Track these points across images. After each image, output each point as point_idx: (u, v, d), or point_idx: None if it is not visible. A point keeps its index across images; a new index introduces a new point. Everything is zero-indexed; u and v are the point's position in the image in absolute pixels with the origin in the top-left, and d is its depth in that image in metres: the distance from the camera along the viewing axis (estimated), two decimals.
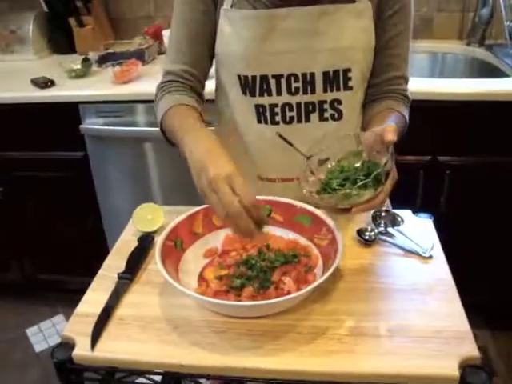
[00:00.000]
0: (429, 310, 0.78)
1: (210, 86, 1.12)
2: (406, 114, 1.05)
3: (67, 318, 2.27)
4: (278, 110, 1.01)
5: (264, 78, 0.98)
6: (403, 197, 1.19)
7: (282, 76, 0.98)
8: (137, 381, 0.80)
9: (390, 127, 0.80)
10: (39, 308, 2.32)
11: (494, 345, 1.76)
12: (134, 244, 0.96)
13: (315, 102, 1.00)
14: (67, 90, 1.82)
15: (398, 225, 0.97)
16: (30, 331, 2.22)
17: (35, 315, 2.29)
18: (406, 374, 0.68)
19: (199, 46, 1.02)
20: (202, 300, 0.76)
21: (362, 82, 1.03)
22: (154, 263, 0.91)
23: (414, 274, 0.87)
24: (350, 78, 0.99)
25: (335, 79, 0.98)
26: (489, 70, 1.99)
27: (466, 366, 0.68)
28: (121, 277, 0.87)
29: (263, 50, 0.97)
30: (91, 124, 1.81)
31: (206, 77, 1.08)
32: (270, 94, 1.00)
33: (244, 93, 1.01)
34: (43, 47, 2.30)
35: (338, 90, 0.99)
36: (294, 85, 0.98)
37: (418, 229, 0.98)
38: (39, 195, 2.01)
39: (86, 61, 1.95)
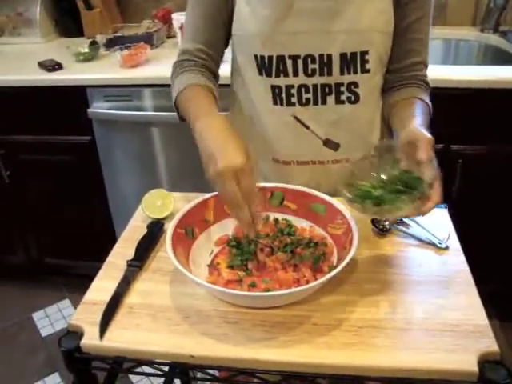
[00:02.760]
0: (446, 302, 0.76)
1: (224, 70, 1.10)
2: (428, 100, 1.03)
3: (73, 303, 2.27)
4: (294, 91, 0.99)
5: (280, 59, 0.97)
6: None
7: (298, 57, 0.96)
8: (144, 370, 0.78)
9: (424, 142, 0.77)
10: (45, 292, 2.32)
11: (503, 336, 1.74)
12: (143, 231, 0.94)
13: (332, 84, 0.98)
14: (75, 74, 1.79)
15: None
16: (36, 316, 2.22)
17: (41, 300, 2.29)
18: (423, 368, 0.66)
19: (215, 26, 1.01)
20: (214, 290, 0.74)
21: (379, 66, 1.01)
22: (164, 251, 0.89)
23: (430, 265, 0.85)
24: (367, 61, 0.97)
25: (352, 61, 0.96)
26: (503, 57, 1.94)
27: (485, 362, 0.66)
28: (130, 264, 0.85)
29: (280, 30, 0.95)
30: (98, 108, 1.79)
31: (221, 57, 1.07)
32: (286, 75, 0.98)
33: (260, 73, 1.00)
34: (50, 30, 2.27)
35: (356, 72, 0.97)
36: (310, 66, 0.97)
37: (432, 218, 0.94)
38: (46, 179, 1.99)
39: (93, 44, 1.93)
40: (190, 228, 0.86)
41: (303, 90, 0.99)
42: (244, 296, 0.73)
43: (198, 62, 1.01)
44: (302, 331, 0.71)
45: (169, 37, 2.13)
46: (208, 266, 0.84)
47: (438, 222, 0.95)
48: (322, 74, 0.97)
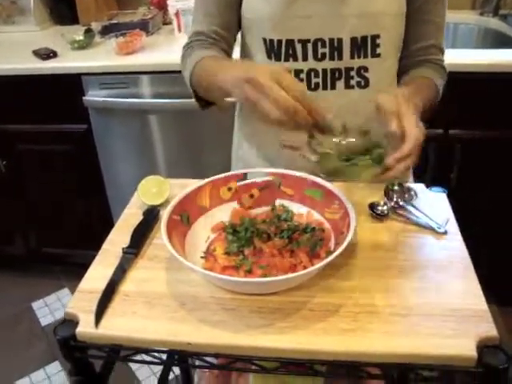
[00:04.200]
0: (445, 287, 0.75)
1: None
2: (438, 81, 1.01)
3: (72, 292, 2.25)
4: (303, 75, 0.97)
5: (290, 43, 0.95)
6: (414, 170, 1.16)
7: (308, 41, 0.95)
8: (140, 358, 0.77)
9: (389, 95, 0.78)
10: (44, 282, 2.33)
11: (502, 321, 1.74)
12: (139, 218, 0.93)
13: (342, 68, 0.97)
14: (70, 62, 1.78)
15: (411, 199, 0.94)
16: (36, 305, 2.23)
17: (40, 289, 2.29)
18: (421, 353, 0.65)
19: (227, 9, 1.00)
20: (211, 276, 0.73)
21: (392, 50, 0.99)
22: (160, 238, 0.88)
23: (428, 250, 0.84)
24: (378, 45, 0.95)
25: (363, 46, 0.95)
26: (503, 41, 1.92)
27: (484, 347, 0.66)
28: (125, 251, 0.84)
29: (290, 13, 0.93)
30: (94, 96, 1.78)
31: (235, 41, 1.06)
32: (295, 59, 0.97)
33: (269, 57, 0.98)
34: (45, 18, 2.25)
35: (366, 57, 0.96)
36: (320, 50, 0.95)
37: (431, 203, 0.95)
38: (42, 168, 1.99)
39: (88, 32, 1.91)
40: (186, 214, 0.85)
41: (312, 74, 0.97)
42: (241, 282, 0.72)
43: (212, 42, 1.00)
44: (299, 317, 0.71)
45: (164, 23, 2.11)
46: (204, 252, 0.83)
47: (437, 207, 0.94)
48: (332, 59, 0.95)
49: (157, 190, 0.98)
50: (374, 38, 0.94)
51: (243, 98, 0.74)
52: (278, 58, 0.97)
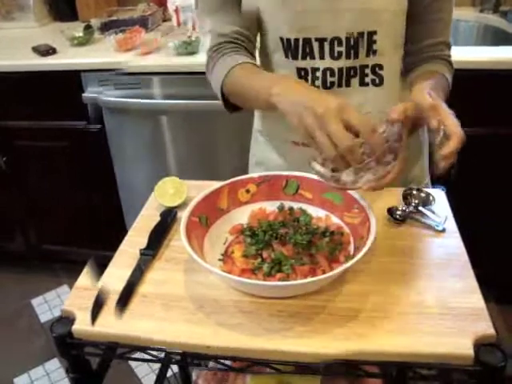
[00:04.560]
0: (442, 285, 0.75)
1: None
2: (448, 75, 1.00)
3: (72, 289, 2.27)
4: (319, 74, 0.97)
5: (307, 42, 0.95)
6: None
7: (325, 39, 0.94)
8: (136, 356, 0.77)
9: (398, 106, 0.76)
10: (44, 279, 2.33)
11: (501, 319, 1.74)
12: (156, 219, 0.92)
13: (357, 66, 0.96)
14: (69, 58, 1.78)
15: (430, 204, 0.93)
16: (35, 301, 2.23)
17: (40, 286, 2.30)
18: (418, 352, 0.65)
19: (248, 7, 0.98)
20: (230, 279, 0.72)
21: (395, 46, 0.98)
22: (177, 239, 0.87)
23: (427, 248, 0.83)
24: (374, 41, 0.94)
25: (360, 43, 0.94)
26: (503, 38, 1.92)
27: (481, 345, 0.65)
28: (143, 253, 0.83)
29: (307, 12, 0.92)
30: (93, 93, 1.77)
31: (256, 39, 1.04)
32: (312, 58, 0.96)
33: (286, 56, 0.98)
34: (45, 14, 2.24)
35: (368, 55, 0.95)
36: (337, 49, 0.94)
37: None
38: (41, 165, 1.99)
39: (88, 28, 1.90)
40: (204, 216, 0.84)
41: (328, 73, 0.96)
42: (260, 285, 0.71)
43: (237, 44, 0.99)
44: (318, 321, 0.70)
45: (164, 20, 2.10)
46: (222, 255, 0.82)
47: (436, 205, 0.93)
48: (348, 57, 0.95)
49: (174, 191, 0.96)
50: (371, 34, 0.93)
51: (301, 126, 0.73)
52: (294, 57, 0.97)
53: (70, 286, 2.29)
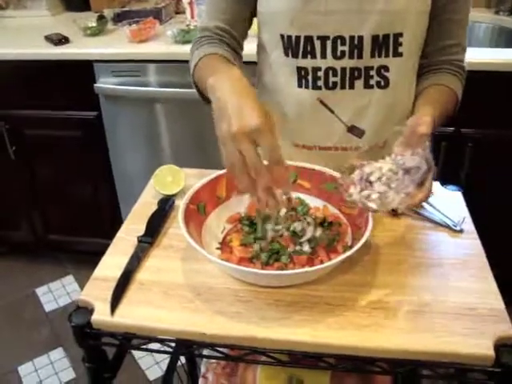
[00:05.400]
0: (461, 286, 0.75)
1: (251, 47, 1.07)
2: (459, 89, 0.99)
3: (77, 279, 2.28)
4: (320, 74, 0.94)
5: (308, 39, 0.92)
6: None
7: (327, 38, 0.91)
8: (150, 346, 0.77)
9: (424, 118, 0.76)
10: (49, 268, 2.33)
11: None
12: (154, 207, 0.93)
13: (361, 67, 0.93)
14: (82, 48, 1.77)
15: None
16: (40, 291, 2.23)
17: (45, 275, 2.30)
18: (438, 351, 0.65)
19: (238, 3, 0.97)
20: (229, 267, 0.73)
21: (414, 49, 0.96)
22: (175, 227, 0.89)
23: (444, 248, 0.84)
24: (400, 44, 0.91)
25: (384, 44, 0.91)
26: None
27: (501, 346, 0.66)
28: (141, 240, 0.84)
29: (310, 9, 0.90)
30: (106, 83, 1.76)
31: (244, 37, 1.03)
32: (313, 57, 0.93)
33: (286, 54, 0.95)
34: (57, 3, 2.23)
35: (387, 56, 0.92)
36: (340, 48, 0.92)
37: (447, 201, 0.94)
38: (51, 155, 1.98)
39: (101, 18, 1.90)
40: (202, 204, 0.85)
41: (331, 73, 0.94)
42: (258, 274, 0.72)
43: (218, 38, 0.98)
44: (315, 311, 0.71)
45: (177, 12, 2.09)
46: (220, 243, 0.83)
47: (452, 205, 0.93)
48: (351, 57, 0.92)
49: (172, 179, 0.98)
50: (397, 36, 0.91)
51: (216, 128, 0.69)
52: (295, 55, 0.95)
53: (75, 276, 2.30)
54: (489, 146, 1.67)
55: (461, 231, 0.87)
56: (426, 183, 0.75)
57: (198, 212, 0.83)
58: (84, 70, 1.75)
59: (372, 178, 0.76)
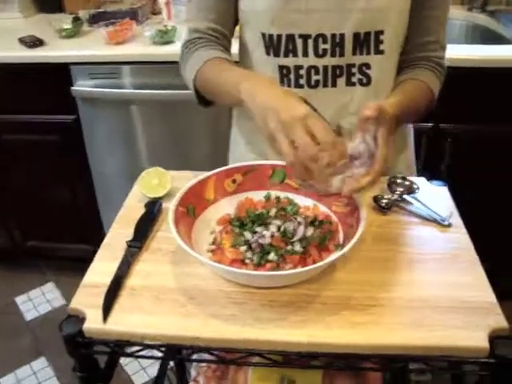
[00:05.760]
0: (453, 280, 0.76)
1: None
2: (435, 85, 0.99)
3: (57, 286, 2.24)
4: (303, 72, 0.94)
5: (290, 38, 0.92)
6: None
7: (309, 36, 0.91)
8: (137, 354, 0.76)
9: (370, 104, 0.76)
10: (28, 276, 2.29)
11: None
12: (141, 210, 0.91)
13: (343, 65, 0.93)
14: (58, 50, 1.73)
15: (414, 192, 0.94)
16: (20, 299, 2.18)
17: (24, 283, 2.25)
18: (435, 345, 0.65)
19: (223, 1, 0.97)
20: (223, 270, 0.72)
21: (395, 47, 0.96)
22: (164, 230, 0.88)
23: (434, 243, 0.84)
24: (381, 41, 0.92)
25: (366, 42, 0.91)
26: (491, 37, 1.94)
27: (495, 338, 0.66)
28: (130, 245, 0.83)
29: (290, 7, 0.90)
30: (83, 86, 1.73)
31: (232, 35, 1.03)
32: (295, 55, 0.93)
33: (268, 53, 0.95)
34: (29, 5, 2.18)
35: (369, 53, 0.93)
36: (321, 46, 0.92)
37: (433, 196, 0.95)
38: (28, 160, 1.94)
39: (76, 20, 1.86)
40: (192, 207, 0.84)
41: (313, 71, 0.94)
42: (251, 275, 0.71)
43: (211, 39, 0.97)
44: (311, 311, 0.70)
45: (153, 13, 2.07)
46: (210, 245, 0.82)
47: (439, 200, 0.94)
48: (333, 55, 0.92)
49: (158, 181, 0.96)
50: (378, 33, 0.91)
51: (264, 129, 0.72)
52: (276, 54, 0.94)
53: (56, 283, 2.25)
54: (467, 140, 1.70)
55: (449, 226, 0.88)
56: (372, 167, 0.75)
57: (187, 214, 0.82)
58: (60, 73, 1.72)
59: None
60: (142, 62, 1.70)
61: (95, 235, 2.11)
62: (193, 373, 1.18)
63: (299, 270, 0.70)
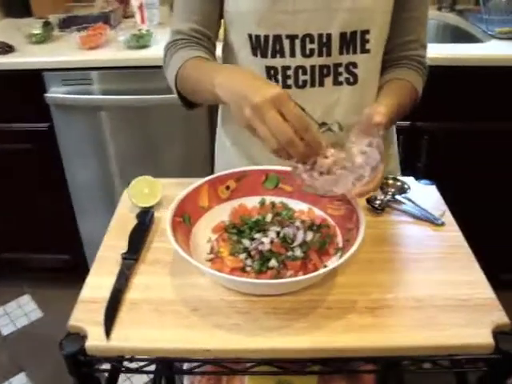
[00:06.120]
0: (452, 278, 0.77)
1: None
2: (419, 83, 1.01)
3: (34, 298, 2.17)
4: (290, 72, 0.94)
5: (277, 39, 0.92)
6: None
7: (296, 37, 0.92)
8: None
9: (379, 109, 0.77)
10: (3, 289, 2.20)
11: None
12: (132, 221, 0.89)
13: (330, 64, 0.94)
14: (29, 56, 1.68)
15: (406, 192, 0.95)
16: None
17: None
18: (441, 344, 0.66)
19: (208, 3, 0.96)
20: (228, 280, 0.71)
21: (380, 46, 0.98)
22: (158, 241, 0.86)
23: (429, 242, 0.85)
24: (367, 41, 0.93)
25: (352, 41, 0.93)
26: (461, 36, 1.99)
27: (497, 333, 0.68)
28: (125, 257, 0.81)
29: (277, 9, 0.90)
30: (56, 93, 1.69)
31: (216, 37, 1.02)
32: (282, 56, 0.93)
33: (255, 54, 0.95)
34: None
35: (355, 52, 0.94)
36: (308, 46, 0.92)
37: (424, 195, 0.96)
38: (1, 170, 1.87)
39: (47, 25, 1.81)
40: (187, 216, 0.82)
41: (300, 71, 0.94)
42: (256, 284, 0.71)
43: (193, 40, 0.96)
44: (317, 316, 0.70)
45: (125, 17, 2.03)
46: (208, 254, 0.81)
47: (430, 199, 0.95)
48: (320, 55, 0.93)
49: (148, 191, 0.94)
50: (364, 33, 0.93)
51: (241, 116, 0.71)
52: (263, 55, 0.94)
53: (32, 296, 2.19)
54: (443, 137, 1.74)
55: (442, 224, 0.89)
56: (378, 172, 0.76)
57: (183, 224, 0.81)
58: (33, 80, 1.67)
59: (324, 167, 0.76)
60: (117, 67, 1.67)
61: (73, 244, 2.07)
62: (185, 382, 1.16)
63: (306, 276, 0.69)
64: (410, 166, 1.76)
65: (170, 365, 0.70)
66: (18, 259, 2.12)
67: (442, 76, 1.61)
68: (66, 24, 1.85)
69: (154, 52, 1.66)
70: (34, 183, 1.90)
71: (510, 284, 1.66)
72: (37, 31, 1.76)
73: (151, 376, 1.76)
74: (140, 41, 1.66)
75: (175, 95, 0.98)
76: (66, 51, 1.70)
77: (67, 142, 1.81)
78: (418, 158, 1.76)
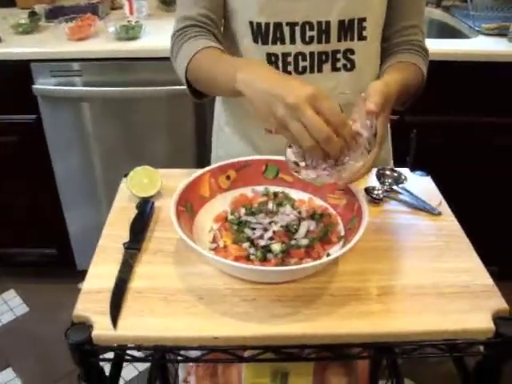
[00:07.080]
0: (451, 266, 0.78)
1: None
2: (422, 65, 1.02)
3: (19, 293, 2.14)
4: (290, 59, 0.96)
5: (278, 26, 0.94)
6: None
7: (296, 24, 0.93)
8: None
9: (375, 98, 0.76)
10: None
11: None
12: (132, 211, 0.89)
13: (329, 51, 0.96)
14: (16, 47, 1.65)
15: (402, 182, 0.97)
16: None
17: None
18: (446, 329, 0.68)
19: None
20: (236, 268, 0.71)
21: (377, 33, 1.00)
22: (159, 230, 0.86)
23: (427, 231, 0.87)
24: (364, 28, 0.95)
25: (350, 28, 0.95)
26: (447, 32, 2.02)
27: (497, 318, 0.69)
28: (128, 247, 0.80)
29: None
30: (44, 84, 1.67)
31: (221, 24, 1.02)
32: (283, 43, 0.95)
33: (255, 41, 0.96)
34: None
35: (352, 39, 0.96)
36: (308, 33, 0.94)
37: (420, 186, 0.98)
38: None
39: (33, 15, 1.78)
40: (190, 205, 0.83)
41: (300, 57, 0.96)
42: (264, 271, 0.71)
43: (203, 27, 0.96)
44: (322, 303, 0.71)
45: (112, 8, 2.01)
46: (211, 243, 0.81)
47: (426, 189, 0.97)
48: (319, 42, 0.95)
49: (148, 180, 0.94)
50: (361, 20, 0.95)
51: (271, 116, 0.70)
52: (264, 42, 0.95)
53: (17, 291, 2.15)
54: (431, 131, 1.76)
55: (439, 214, 0.91)
56: (370, 155, 0.77)
57: (186, 213, 0.81)
58: (20, 71, 1.64)
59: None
60: (107, 58, 1.65)
61: (59, 238, 2.05)
62: (181, 373, 1.16)
63: (313, 263, 0.70)
64: (399, 160, 1.80)
65: (177, 354, 0.70)
66: (2, 253, 2.09)
67: (430, 71, 1.62)
68: (53, 14, 1.82)
69: (145, 43, 1.65)
70: (20, 176, 1.87)
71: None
72: (23, 21, 1.74)
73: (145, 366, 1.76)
74: (130, 32, 1.64)
75: (184, 86, 0.97)
76: (54, 42, 1.68)
77: (55, 135, 1.79)
78: (406, 151, 1.79)
